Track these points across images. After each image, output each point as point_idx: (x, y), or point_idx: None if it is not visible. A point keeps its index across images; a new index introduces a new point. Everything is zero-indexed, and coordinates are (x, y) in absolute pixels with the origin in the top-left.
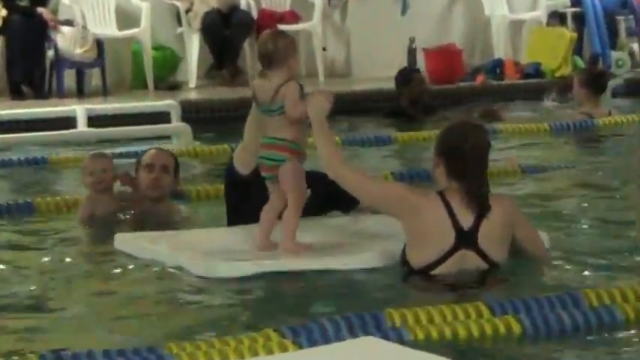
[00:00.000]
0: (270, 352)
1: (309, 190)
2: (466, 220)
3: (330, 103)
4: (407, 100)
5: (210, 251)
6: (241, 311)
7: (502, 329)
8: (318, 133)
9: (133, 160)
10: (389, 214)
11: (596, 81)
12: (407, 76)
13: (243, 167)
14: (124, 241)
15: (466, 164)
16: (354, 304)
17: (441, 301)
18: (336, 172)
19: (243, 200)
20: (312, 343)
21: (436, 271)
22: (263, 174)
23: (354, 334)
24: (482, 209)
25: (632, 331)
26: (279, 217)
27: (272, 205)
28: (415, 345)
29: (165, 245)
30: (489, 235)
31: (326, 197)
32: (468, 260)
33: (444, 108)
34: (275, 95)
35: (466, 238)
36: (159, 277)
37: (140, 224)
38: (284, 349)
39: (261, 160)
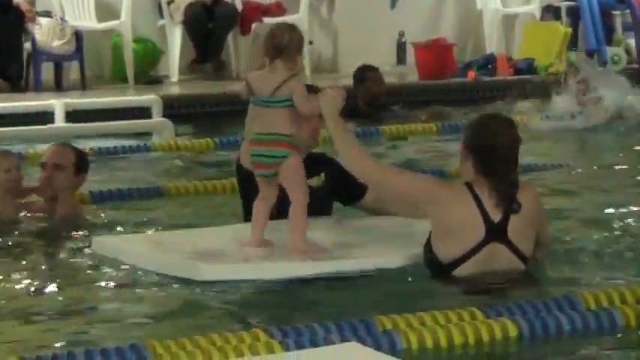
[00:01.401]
0: (256, 352)
1: (322, 175)
2: (495, 212)
3: (343, 99)
4: (362, 100)
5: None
6: (232, 311)
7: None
8: (334, 129)
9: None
10: (416, 206)
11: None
12: (362, 74)
13: (248, 163)
14: (103, 244)
15: (497, 162)
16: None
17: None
18: (357, 167)
19: (253, 196)
20: (300, 345)
21: (466, 265)
22: (260, 172)
23: (344, 338)
24: (511, 206)
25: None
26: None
27: (265, 200)
28: (408, 351)
29: (150, 248)
30: (519, 227)
31: (337, 181)
32: (499, 254)
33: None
34: (278, 88)
35: (496, 231)
36: (141, 278)
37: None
38: (270, 350)
39: (259, 159)
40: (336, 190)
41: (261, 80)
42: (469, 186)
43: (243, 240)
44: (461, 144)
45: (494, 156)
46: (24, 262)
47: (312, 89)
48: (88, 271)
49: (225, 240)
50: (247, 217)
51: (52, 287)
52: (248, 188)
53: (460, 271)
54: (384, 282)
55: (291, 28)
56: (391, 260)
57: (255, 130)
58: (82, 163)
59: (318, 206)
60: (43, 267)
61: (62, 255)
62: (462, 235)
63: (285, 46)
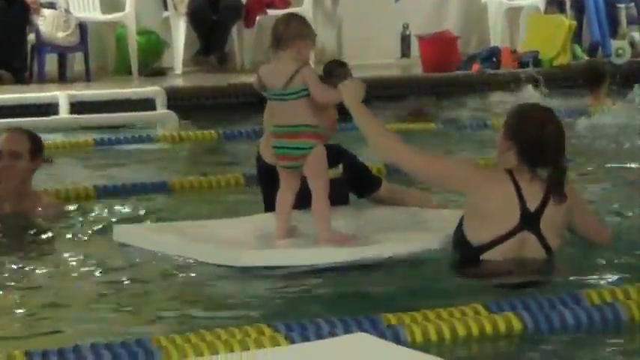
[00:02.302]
0: (261, 346)
1: (339, 166)
2: (533, 202)
3: (364, 89)
4: None
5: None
6: (240, 305)
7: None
8: (359, 117)
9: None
10: (451, 189)
11: (598, 73)
12: (330, 70)
13: (269, 157)
14: (125, 232)
15: (546, 153)
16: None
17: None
18: (392, 154)
19: (274, 188)
20: (306, 339)
21: (494, 251)
22: (286, 163)
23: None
24: (558, 198)
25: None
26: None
27: (289, 190)
28: (412, 344)
29: (174, 236)
30: (552, 220)
31: (352, 173)
32: (528, 244)
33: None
34: (290, 80)
35: (530, 220)
36: (152, 269)
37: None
38: (276, 345)
39: (284, 151)
40: (352, 182)
41: (272, 74)
42: (509, 172)
43: (266, 230)
44: (503, 133)
45: (543, 146)
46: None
47: (342, 65)
48: (100, 260)
49: (248, 229)
50: (268, 208)
51: (51, 278)
52: (268, 181)
53: (488, 256)
54: (404, 270)
55: (290, 16)
56: (421, 245)
57: (274, 122)
58: (36, 147)
59: (335, 197)
60: (36, 259)
61: (52, 247)
62: (497, 220)
63: (282, 34)
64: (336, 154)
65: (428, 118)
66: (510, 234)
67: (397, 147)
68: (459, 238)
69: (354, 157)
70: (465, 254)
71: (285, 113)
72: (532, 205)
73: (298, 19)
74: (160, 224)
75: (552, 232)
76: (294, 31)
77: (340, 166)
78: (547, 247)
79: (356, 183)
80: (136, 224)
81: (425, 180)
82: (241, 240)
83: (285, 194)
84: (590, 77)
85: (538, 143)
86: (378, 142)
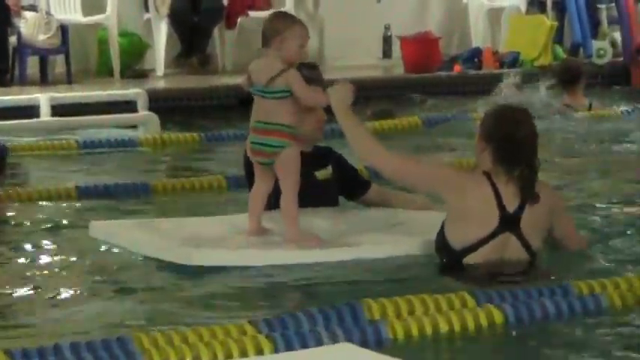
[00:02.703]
0: (242, 345)
1: (329, 168)
2: (511, 203)
3: (352, 92)
4: None
5: (203, 240)
6: (220, 302)
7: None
8: (345, 123)
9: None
10: (432, 192)
11: (577, 73)
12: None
13: (249, 151)
14: (99, 228)
15: (519, 152)
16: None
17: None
18: (372, 157)
19: None
20: (286, 338)
21: (477, 254)
22: (259, 159)
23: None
24: (530, 198)
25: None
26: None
27: (260, 189)
28: (394, 340)
29: (144, 233)
30: (532, 221)
31: (342, 176)
32: (509, 245)
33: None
34: (273, 79)
35: (510, 222)
36: (133, 265)
37: None
38: (257, 344)
39: (258, 147)
40: (341, 185)
41: (258, 70)
42: (487, 175)
43: (239, 229)
44: (478, 135)
45: (516, 145)
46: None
47: (313, 67)
48: (80, 260)
49: (220, 229)
50: None
51: (29, 278)
52: (249, 180)
53: (470, 259)
54: (378, 271)
55: (274, 14)
56: (386, 249)
57: (255, 118)
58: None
59: (325, 199)
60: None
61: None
62: (477, 222)
63: (265, 32)
64: (326, 156)
65: (392, 118)
66: (491, 236)
67: (379, 152)
68: (441, 241)
69: (345, 160)
70: (447, 258)
71: (264, 110)
72: (511, 207)
73: (281, 17)
74: (134, 221)
75: (533, 232)
76: (275, 29)
77: (330, 168)
78: (529, 248)
79: (346, 185)
80: (111, 220)
81: (407, 185)
82: (211, 239)
83: (258, 192)
84: (566, 76)
85: (512, 143)
86: (361, 146)
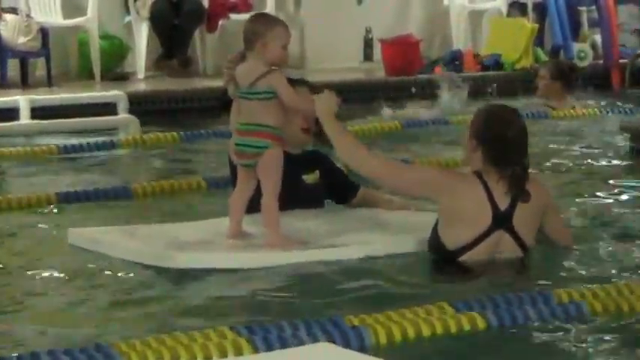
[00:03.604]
0: (223, 351)
1: (316, 172)
2: (503, 201)
3: (337, 100)
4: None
5: (186, 244)
6: (201, 308)
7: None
8: (331, 130)
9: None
10: (424, 197)
11: (570, 74)
12: None
13: (232, 154)
14: (78, 235)
15: (509, 152)
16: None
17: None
18: (361, 165)
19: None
20: (268, 343)
21: (471, 253)
22: (242, 161)
23: (312, 336)
24: (521, 196)
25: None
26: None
27: (242, 191)
28: (376, 346)
29: (124, 238)
30: (524, 218)
31: (330, 180)
32: (503, 243)
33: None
34: (255, 81)
35: (502, 219)
36: (113, 272)
37: None
38: (238, 348)
39: (241, 148)
40: (329, 188)
41: (242, 72)
42: (478, 174)
43: (222, 233)
44: (469, 134)
45: (507, 145)
46: None
47: (303, 84)
48: (56, 265)
49: (201, 232)
50: None
51: (6, 285)
52: (234, 182)
53: (464, 258)
54: (364, 272)
55: (255, 16)
56: (372, 249)
57: (240, 120)
58: None
59: (312, 202)
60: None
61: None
62: (470, 222)
63: (247, 35)
64: (315, 160)
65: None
66: (484, 235)
67: (367, 159)
68: (435, 242)
69: (333, 163)
70: (441, 258)
71: (248, 111)
72: (502, 205)
73: (262, 19)
74: (114, 227)
75: (526, 230)
76: (256, 32)
77: (318, 172)
78: (522, 246)
79: (333, 189)
80: (90, 227)
81: (397, 189)
82: (193, 243)
83: (239, 194)
84: (562, 77)
85: (502, 143)
86: (349, 153)
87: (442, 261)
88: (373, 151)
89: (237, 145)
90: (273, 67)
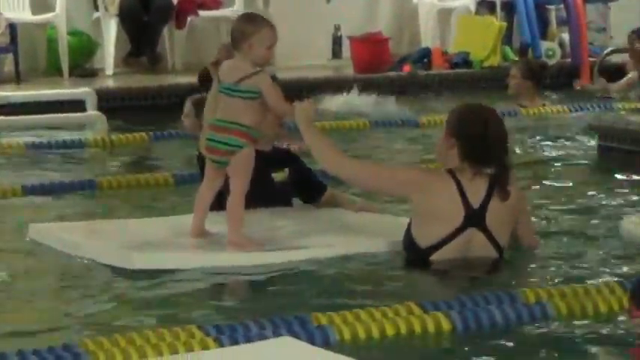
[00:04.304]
0: (190, 349)
1: (286, 170)
2: (475, 199)
3: (315, 109)
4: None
5: (145, 242)
6: (167, 306)
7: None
8: (309, 136)
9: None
10: (399, 195)
11: (541, 73)
12: (203, 76)
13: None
14: (39, 231)
15: (488, 149)
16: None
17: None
18: (336, 167)
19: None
20: (235, 340)
21: (443, 251)
22: (211, 157)
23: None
24: (501, 194)
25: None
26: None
27: (208, 189)
28: (341, 345)
29: (85, 236)
30: (497, 216)
31: (299, 179)
32: (476, 241)
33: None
34: (241, 80)
35: (475, 217)
36: (74, 268)
37: None
38: (205, 347)
39: (213, 144)
40: (298, 187)
41: (228, 69)
42: (451, 172)
43: (183, 230)
44: (445, 132)
45: (487, 144)
46: None
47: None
48: (18, 260)
49: (162, 230)
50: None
51: None
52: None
53: (437, 257)
54: (325, 275)
55: (243, 17)
56: (336, 250)
57: (216, 115)
58: None
59: (280, 200)
60: None
61: None
62: (442, 220)
63: (234, 35)
64: (285, 159)
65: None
66: (456, 232)
67: (344, 163)
68: (408, 240)
69: (302, 163)
70: (414, 256)
71: (227, 108)
72: (475, 203)
73: (249, 20)
74: (75, 223)
75: (499, 228)
76: (243, 33)
77: (286, 170)
78: (495, 244)
79: (302, 188)
80: (50, 223)
81: (375, 190)
82: (153, 241)
83: (205, 191)
84: (535, 76)
85: (481, 141)
86: (326, 158)
87: (413, 260)
88: (348, 154)
89: (209, 140)
90: (259, 68)
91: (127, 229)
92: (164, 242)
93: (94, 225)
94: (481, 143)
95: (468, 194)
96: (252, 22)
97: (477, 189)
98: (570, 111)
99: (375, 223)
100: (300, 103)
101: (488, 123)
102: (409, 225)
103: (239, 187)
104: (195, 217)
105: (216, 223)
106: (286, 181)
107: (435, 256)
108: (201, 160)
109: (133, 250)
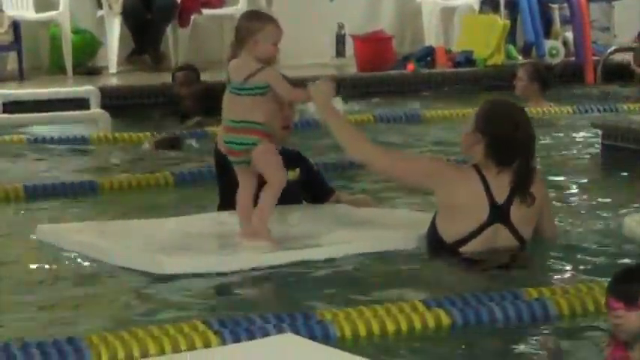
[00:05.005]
0: (192, 343)
1: (297, 170)
2: (500, 194)
3: (334, 88)
4: (184, 101)
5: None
6: (175, 302)
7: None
8: (329, 118)
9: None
10: (421, 186)
11: (548, 75)
12: (173, 74)
13: (224, 148)
14: (46, 231)
15: (515, 153)
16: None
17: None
18: (360, 153)
19: (232, 183)
20: (237, 335)
21: (468, 246)
22: (232, 158)
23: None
24: (524, 197)
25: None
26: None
27: (245, 189)
28: (342, 341)
29: (97, 237)
30: (521, 211)
31: (307, 179)
32: (500, 236)
33: None
34: (248, 77)
35: (499, 213)
36: (80, 267)
37: None
38: (207, 341)
39: (230, 145)
40: (305, 189)
41: (236, 68)
42: (476, 168)
43: (191, 231)
44: (473, 127)
45: (514, 146)
46: None
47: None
48: (27, 260)
49: (173, 232)
50: (222, 203)
51: None
52: (224, 174)
53: (462, 251)
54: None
55: (248, 15)
56: (345, 248)
57: (229, 116)
58: None
59: (290, 199)
60: None
61: None
62: (467, 215)
63: (239, 33)
64: (295, 159)
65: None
66: (481, 228)
67: (366, 147)
68: (433, 235)
69: (312, 164)
70: (439, 251)
71: (238, 108)
72: (500, 198)
73: (254, 17)
74: (82, 223)
75: (523, 222)
76: (248, 30)
77: (298, 170)
78: (520, 238)
79: (309, 189)
80: (59, 224)
81: (393, 178)
82: (163, 243)
83: (242, 193)
84: (542, 79)
85: (509, 143)
86: (348, 142)
87: (438, 255)
88: (372, 139)
89: (226, 142)
90: (264, 65)
91: (134, 229)
92: (184, 245)
93: (102, 226)
94: (508, 145)
95: (492, 190)
96: (257, 19)
97: (501, 185)
98: (574, 112)
99: (390, 219)
100: (317, 83)
101: (519, 125)
102: (433, 219)
103: (273, 180)
104: (242, 220)
105: (224, 224)
106: (297, 180)
107: (459, 251)
108: (217, 154)
109: (161, 254)
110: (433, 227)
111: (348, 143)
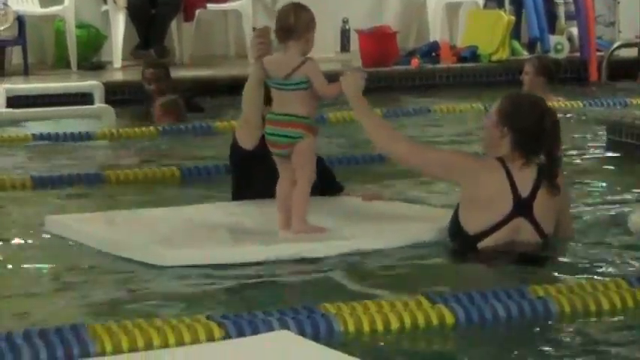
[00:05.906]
0: (195, 335)
1: None
2: (524, 188)
3: (364, 79)
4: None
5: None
6: (184, 295)
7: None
8: (358, 110)
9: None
10: (446, 179)
11: (554, 70)
12: (142, 71)
13: (246, 142)
14: (55, 222)
15: (542, 144)
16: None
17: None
18: (387, 145)
19: (249, 175)
20: (240, 328)
21: (490, 239)
22: (276, 151)
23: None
24: (551, 188)
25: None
26: None
27: (285, 180)
28: (346, 336)
29: (105, 228)
30: (544, 205)
31: (319, 176)
32: (522, 229)
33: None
34: (292, 72)
35: (523, 206)
36: (87, 257)
37: None
38: (210, 333)
39: (274, 138)
40: (317, 185)
41: (277, 63)
42: (501, 160)
43: (196, 221)
44: (498, 120)
45: (541, 136)
46: None
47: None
48: (36, 250)
49: (181, 222)
50: (236, 197)
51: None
52: (241, 168)
53: (484, 244)
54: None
55: (298, 7)
56: (377, 242)
57: (273, 109)
58: None
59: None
60: None
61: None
62: (491, 207)
63: (292, 26)
64: None
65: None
66: (504, 221)
67: (394, 139)
68: (455, 227)
69: (323, 161)
70: (462, 243)
71: (281, 101)
72: (524, 192)
73: (307, 10)
74: (90, 214)
75: (546, 217)
76: (304, 23)
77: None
78: (541, 233)
79: (322, 186)
80: (67, 215)
81: (419, 170)
82: (173, 234)
83: (281, 184)
84: (549, 73)
85: (536, 135)
86: (376, 133)
87: (460, 247)
88: (399, 132)
89: (270, 134)
90: (306, 57)
91: (144, 220)
92: (189, 235)
93: (111, 216)
94: (535, 137)
95: (517, 183)
96: (307, 15)
97: (525, 178)
98: (578, 105)
99: (403, 212)
100: (348, 75)
101: (545, 116)
102: (456, 211)
103: (304, 177)
104: (278, 211)
105: (231, 215)
106: None
107: (482, 244)
108: (233, 148)
109: (162, 246)
110: (455, 219)
111: (378, 135)
